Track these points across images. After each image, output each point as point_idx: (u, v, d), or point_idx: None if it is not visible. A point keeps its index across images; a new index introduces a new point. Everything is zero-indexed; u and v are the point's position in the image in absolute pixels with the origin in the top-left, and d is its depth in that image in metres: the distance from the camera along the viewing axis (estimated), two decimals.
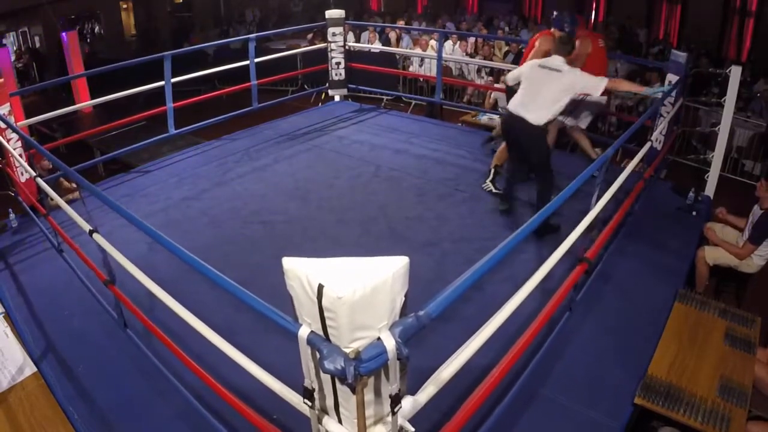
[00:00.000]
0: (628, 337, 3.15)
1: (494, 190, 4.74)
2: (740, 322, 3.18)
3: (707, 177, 4.80)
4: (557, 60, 3.95)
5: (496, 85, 8.12)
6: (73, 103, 7.81)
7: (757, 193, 3.83)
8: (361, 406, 1.55)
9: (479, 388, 2.14)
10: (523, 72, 4.11)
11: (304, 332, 1.55)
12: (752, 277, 4.01)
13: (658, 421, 2.69)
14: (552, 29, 4.54)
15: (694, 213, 4.46)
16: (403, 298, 1.55)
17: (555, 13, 4.77)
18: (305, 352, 1.60)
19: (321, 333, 1.52)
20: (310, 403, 1.71)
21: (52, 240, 4.01)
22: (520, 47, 9.06)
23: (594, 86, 3.90)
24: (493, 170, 4.80)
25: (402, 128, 6.43)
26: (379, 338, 1.48)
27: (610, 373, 2.89)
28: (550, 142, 4.93)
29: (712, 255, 3.94)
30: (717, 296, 4.17)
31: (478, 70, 9.87)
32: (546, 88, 3.91)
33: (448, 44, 10.23)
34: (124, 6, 14.75)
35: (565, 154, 5.71)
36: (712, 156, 4.79)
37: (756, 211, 3.84)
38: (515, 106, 4.05)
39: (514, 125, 4.06)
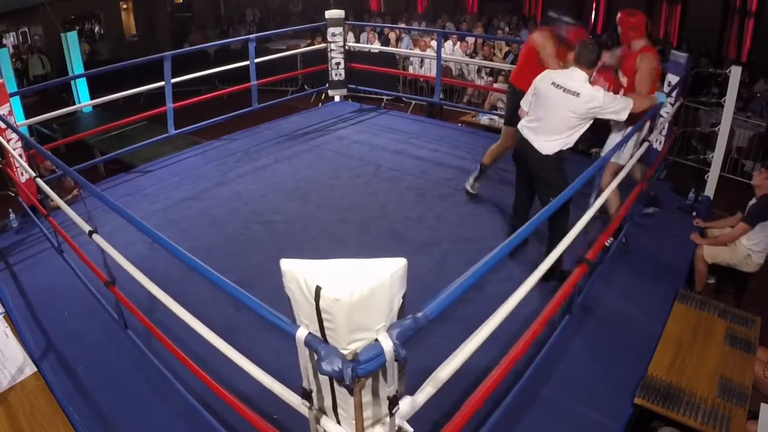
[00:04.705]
0: (628, 337, 3.15)
1: (471, 191, 4.58)
2: (740, 322, 3.19)
3: (707, 177, 4.80)
4: (576, 77, 3.22)
5: (495, 86, 8.12)
6: (74, 104, 7.84)
7: (754, 181, 3.80)
8: (359, 408, 1.55)
9: (480, 389, 2.14)
10: (536, 86, 3.42)
11: (301, 334, 1.55)
12: (752, 277, 4.01)
13: (658, 421, 2.69)
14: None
15: (694, 213, 4.46)
16: (401, 300, 1.54)
17: (553, 14, 3.92)
18: (303, 353, 1.60)
19: (319, 335, 1.52)
20: (308, 404, 1.71)
21: (53, 240, 4.02)
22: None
23: (619, 111, 3.23)
24: (479, 169, 4.54)
25: (402, 128, 6.43)
26: (376, 340, 1.47)
27: (610, 373, 2.89)
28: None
29: (711, 253, 3.93)
30: (717, 296, 4.16)
31: (478, 71, 9.86)
32: (560, 110, 3.24)
33: (448, 44, 10.23)
34: (124, 6, 14.75)
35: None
36: (712, 156, 4.79)
37: (753, 202, 3.83)
38: (524, 127, 3.46)
39: (523, 151, 3.46)
